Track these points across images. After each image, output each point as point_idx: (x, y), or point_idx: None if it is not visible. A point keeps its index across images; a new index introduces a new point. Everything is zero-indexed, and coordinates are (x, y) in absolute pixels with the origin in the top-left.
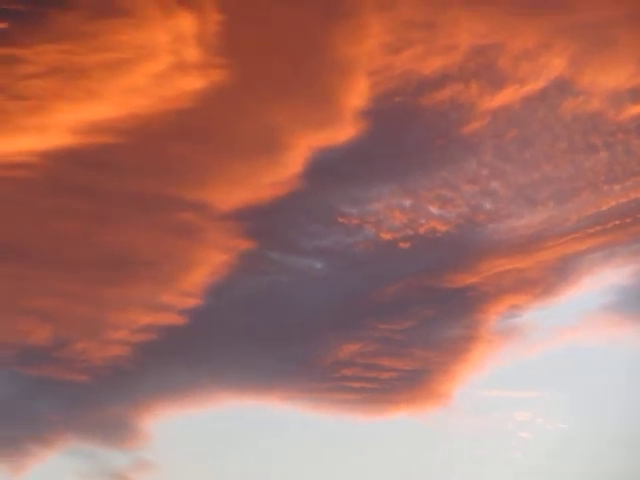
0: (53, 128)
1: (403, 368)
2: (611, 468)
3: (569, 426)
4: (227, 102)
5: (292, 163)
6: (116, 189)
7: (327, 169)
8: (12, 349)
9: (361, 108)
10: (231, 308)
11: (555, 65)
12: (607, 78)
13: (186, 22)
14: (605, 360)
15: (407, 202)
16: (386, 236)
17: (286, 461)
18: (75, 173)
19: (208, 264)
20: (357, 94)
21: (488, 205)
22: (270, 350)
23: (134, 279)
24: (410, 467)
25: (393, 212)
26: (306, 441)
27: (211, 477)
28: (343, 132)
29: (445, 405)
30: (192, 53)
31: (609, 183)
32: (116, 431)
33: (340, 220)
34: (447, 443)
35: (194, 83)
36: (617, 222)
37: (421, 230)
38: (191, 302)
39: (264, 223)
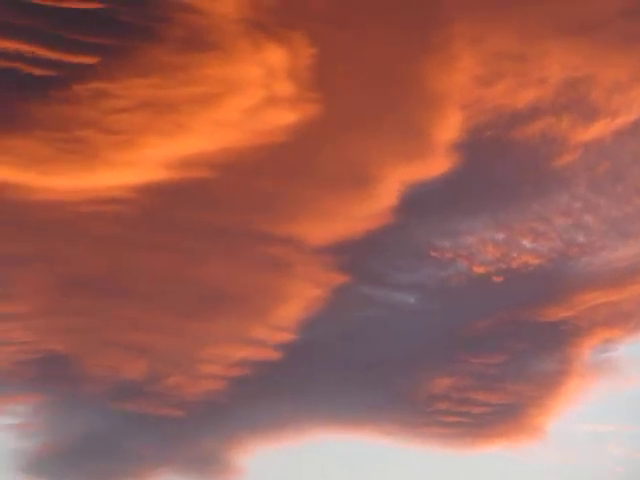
0: (143, 163)
1: (496, 402)
2: None
3: None
4: (319, 136)
5: (384, 196)
6: (208, 224)
7: (419, 202)
8: (106, 384)
9: (453, 141)
10: (325, 342)
11: None
12: None
13: (277, 56)
14: None
15: (500, 235)
16: (479, 270)
17: None
18: (166, 208)
19: (301, 298)
20: (449, 127)
21: (581, 238)
22: (364, 384)
23: (227, 314)
24: None
25: (486, 246)
26: (399, 474)
27: None
28: (435, 165)
29: (539, 439)
30: (283, 87)
31: None
32: (209, 465)
33: (433, 254)
34: (541, 477)
35: (286, 117)
36: None
37: (514, 264)
38: (285, 337)
39: (357, 257)
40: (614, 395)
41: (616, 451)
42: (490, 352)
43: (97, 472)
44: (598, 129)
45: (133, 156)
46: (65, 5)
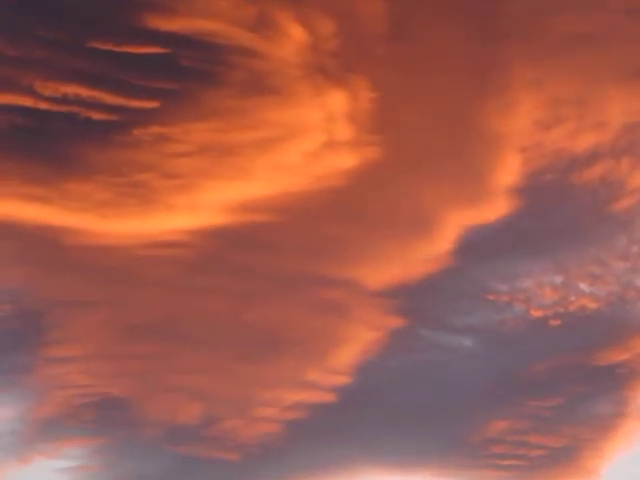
0: (204, 207)
1: (552, 445)
2: None
3: None
4: (378, 179)
5: (442, 240)
6: (266, 267)
7: (477, 246)
8: (162, 427)
9: (512, 185)
10: (381, 386)
11: None
12: None
13: (337, 100)
14: None
15: (558, 279)
16: (536, 313)
17: None
18: (225, 251)
19: (357, 342)
20: (508, 171)
21: (639, 282)
22: (419, 427)
23: (283, 357)
24: None
25: (543, 289)
26: None
27: None
28: (493, 209)
29: None
30: (343, 131)
31: None
32: None
33: (489, 297)
34: None
35: (346, 161)
36: None
37: (571, 307)
38: (340, 380)
39: (414, 300)
40: None
41: None
42: (546, 395)
43: None
44: None
45: (193, 200)
46: (125, 50)
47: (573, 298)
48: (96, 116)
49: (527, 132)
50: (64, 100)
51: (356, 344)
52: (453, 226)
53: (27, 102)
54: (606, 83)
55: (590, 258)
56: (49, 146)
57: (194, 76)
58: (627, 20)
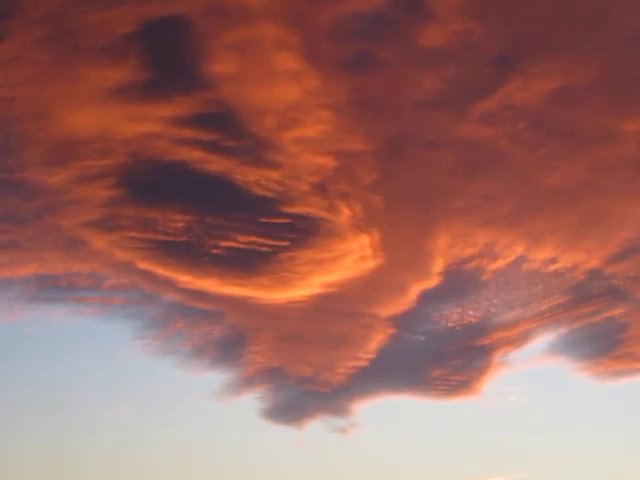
0: (312, 286)
1: (459, 380)
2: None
3: (530, 400)
4: (383, 271)
5: (411, 295)
6: (338, 309)
7: (426, 297)
8: (296, 378)
9: (439, 271)
10: (387, 357)
11: (518, 249)
12: (542, 253)
13: (364, 238)
14: (547, 373)
15: (459, 310)
16: (450, 324)
17: (411, 421)
18: (322, 304)
19: (377, 340)
20: (437, 265)
21: (493, 310)
22: (404, 374)
23: (346, 347)
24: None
25: (453, 314)
26: (417, 414)
27: (385, 426)
28: (432, 282)
29: (478, 394)
30: (367, 251)
31: (544, 299)
32: (340, 411)
33: (431, 318)
34: (481, 410)
35: (368, 264)
36: (547, 315)
37: (465, 321)
38: (370, 355)
39: (400, 321)
40: (509, 374)
41: (512, 398)
42: (455, 358)
43: (292, 418)
44: (499, 263)
45: (307, 283)
46: (272, 221)
47: (465, 317)
48: (263, 249)
49: (444, 249)
50: (249, 242)
51: (376, 341)
52: (415, 289)
53: (233, 244)
54: (478, 226)
55: (472, 301)
56: (245, 261)
57: (303, 231)
58: (482, 201)
